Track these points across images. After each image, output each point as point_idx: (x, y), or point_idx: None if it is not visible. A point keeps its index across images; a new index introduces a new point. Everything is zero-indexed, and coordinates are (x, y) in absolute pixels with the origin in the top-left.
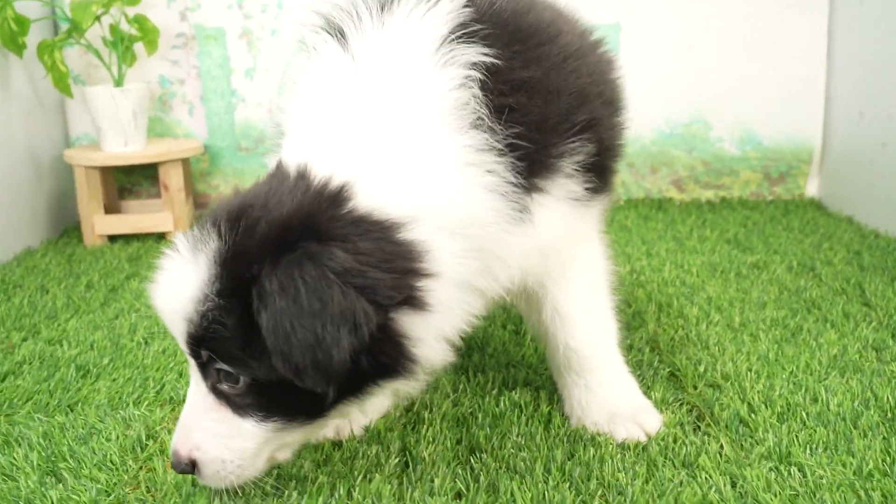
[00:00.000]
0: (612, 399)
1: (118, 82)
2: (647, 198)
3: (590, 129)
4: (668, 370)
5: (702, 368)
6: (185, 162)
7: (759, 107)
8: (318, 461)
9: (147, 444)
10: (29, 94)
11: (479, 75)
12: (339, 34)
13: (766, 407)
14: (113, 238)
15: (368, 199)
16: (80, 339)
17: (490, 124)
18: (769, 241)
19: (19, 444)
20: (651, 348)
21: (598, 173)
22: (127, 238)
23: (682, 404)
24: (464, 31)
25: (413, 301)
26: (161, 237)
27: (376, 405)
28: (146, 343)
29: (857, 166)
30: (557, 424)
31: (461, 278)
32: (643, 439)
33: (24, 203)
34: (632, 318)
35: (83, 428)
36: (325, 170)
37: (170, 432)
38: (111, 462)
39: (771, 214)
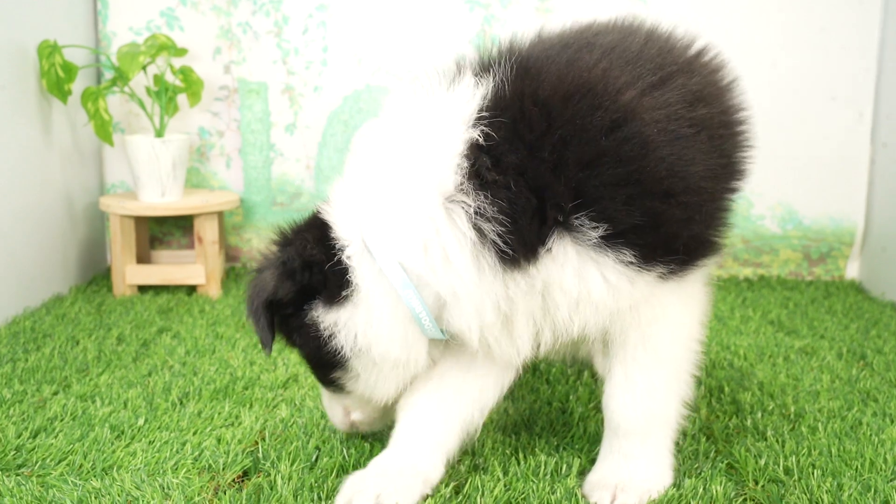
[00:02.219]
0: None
1: (159, 133)
2: None
3: None
4: (725, 462)
5: (762, 462)
6: (220, 215)
7: (802, 187)
8: None
9: None
10: (68, 140)
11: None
12: (410, 97)
13: None
14: (142, 288)
15: (333, 219)
16: (112, 397)
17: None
18: (814, 325)
19: None
20: (706, 436)
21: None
22: (157, 289)
23: (745, 500)
24: (475, 116)
25: (326, 295)
26: (192, 290)
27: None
28: (181, 404)
29: None
30: None
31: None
32: None
33: (57, 249)
34: None
35: (119, 495)
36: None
37: (209, 503)
38: None
39: (812, 296)
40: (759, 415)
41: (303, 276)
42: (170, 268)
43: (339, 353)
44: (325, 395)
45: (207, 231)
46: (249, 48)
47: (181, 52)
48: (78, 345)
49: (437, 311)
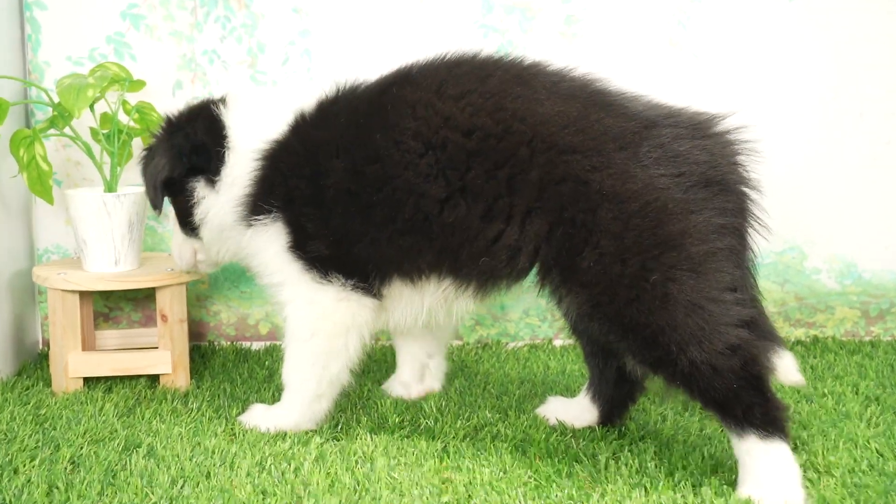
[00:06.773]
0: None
1: (110, 186)
2: None
3: None
4: None
5: None
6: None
7: (861, 237)
8: None
9: None
10: None
11: None
12: None
13: None
14: (88, 379)
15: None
16: None
17: None
18: None
19: None
20: None
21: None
22: (108, 381)
23: None
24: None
25: (206, 176)
26: (153, 380)
27: None
28: None
29: None
30: None
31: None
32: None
33: None
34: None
35: None
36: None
37: None
38: None
39: (887, 361)
40: None
41: (191, 158)
42: (125, 354)
43: (196, 216)
44: (177, 238)
45: (175, 307)
46: (217, 81)
47: (138, 84)
48: (17, 474)
49: None
